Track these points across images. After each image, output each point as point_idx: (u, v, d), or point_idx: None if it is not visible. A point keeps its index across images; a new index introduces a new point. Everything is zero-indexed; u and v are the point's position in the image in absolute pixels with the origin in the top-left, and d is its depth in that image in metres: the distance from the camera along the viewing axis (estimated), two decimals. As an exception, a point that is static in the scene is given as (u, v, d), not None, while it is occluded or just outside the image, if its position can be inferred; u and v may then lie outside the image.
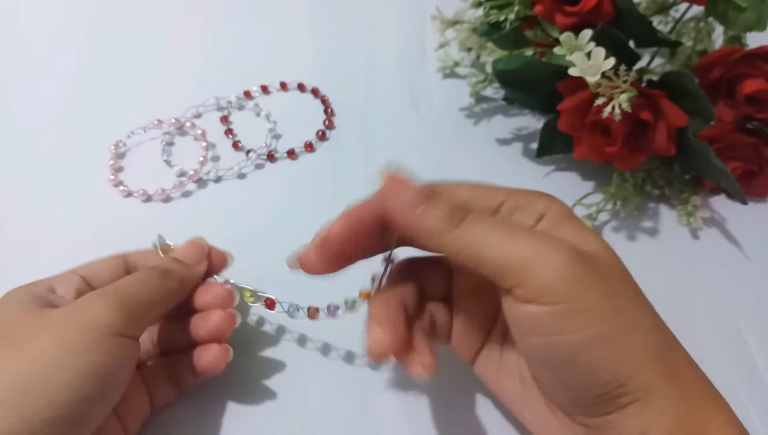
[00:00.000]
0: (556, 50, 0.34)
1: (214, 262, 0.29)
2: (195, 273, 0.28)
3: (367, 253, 0.25)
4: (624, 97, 0.31)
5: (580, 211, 0.36)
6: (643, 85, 0.35)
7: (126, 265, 0.28)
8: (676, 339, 0.23)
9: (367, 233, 0.24)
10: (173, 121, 0.41)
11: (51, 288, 0.26)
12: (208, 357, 0.26)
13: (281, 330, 0.31)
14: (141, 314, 0.24)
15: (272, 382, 0.30)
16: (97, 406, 0.22)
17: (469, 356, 0.26)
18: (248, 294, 0.28)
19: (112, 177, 0.38)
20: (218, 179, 0.39)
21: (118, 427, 0.25)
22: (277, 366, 0.30)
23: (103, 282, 0.26)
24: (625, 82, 0.32)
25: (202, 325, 0.27)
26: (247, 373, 0.30)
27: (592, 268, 0.21)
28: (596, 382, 0.21)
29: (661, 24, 0.40)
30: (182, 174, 0.38)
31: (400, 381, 0.30)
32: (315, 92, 0.44)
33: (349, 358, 0.30)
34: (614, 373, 0.20)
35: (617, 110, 0.31)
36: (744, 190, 0.35)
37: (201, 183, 0.38)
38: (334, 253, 0.24)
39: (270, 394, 0.29)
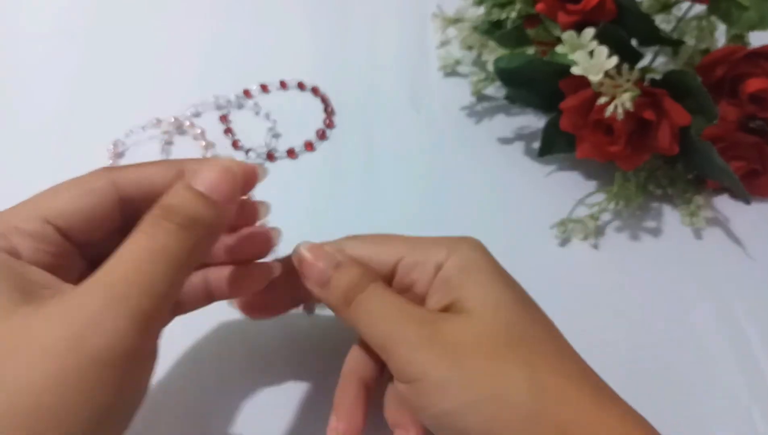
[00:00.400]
0: (558, 49, 0.33)
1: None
2: (227, 216, 0.21)
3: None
4: (627, 96, 0.31)
5: (582, 211, 0.36)
6: (646, 84, 0.35)
7: (119, 197, 0.22)
8: (572, 383, 0.21)
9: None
10: (172, 120, 0.41)
11: (12, 249, 0.20)
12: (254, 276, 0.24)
13: (283, 329, 0.31)
14: (163, 312, 0.19)
15: (273, 382, 0.29)
16: (115, 429, 0.19)
17: None
18: None
19: (110, 176, 0.38)
20: (218, 179, 0.38)
21: None
22: (277, 367, 0.30)
23: (87, 228, 0.21)
24: (627, 80, 0.32)
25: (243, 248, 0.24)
26: (247, 372, 0.29)
27: (448, 339, 0.21)
28: None
29: (663, 22, 0.40)
30: (181, 173, 0.38)
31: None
32: (315, 91, 0.43)
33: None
34: (486, 426, 0.20)
35: (620, 109, 0.31)
36: (747, 189, 0.35)
37: (200, 182, 0.38)
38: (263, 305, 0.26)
39: (271, 395, 0.29)
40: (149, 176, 0.22)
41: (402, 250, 0.25)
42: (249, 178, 0.23)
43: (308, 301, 0.27)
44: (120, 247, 0.19)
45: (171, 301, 0.19)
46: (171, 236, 0.19)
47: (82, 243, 0.22)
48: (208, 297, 0.25)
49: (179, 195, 0.20)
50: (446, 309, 0.23)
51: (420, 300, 0.24)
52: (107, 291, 0.18)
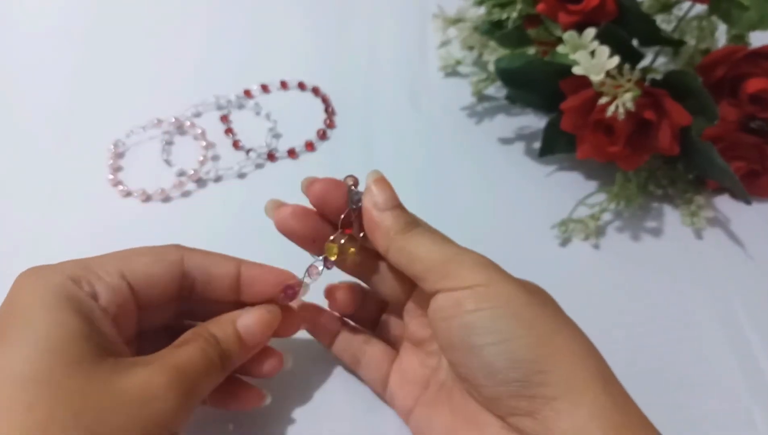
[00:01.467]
0: (559, 49, 0.33)
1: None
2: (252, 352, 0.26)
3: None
4: (628, 96, 0.31)
5: (583, 211, 0.36)
6: (647, 84, 0.35)
7: (183, 271, 0.25)
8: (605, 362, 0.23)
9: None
10: (173, 120, 0.41)
11: (94, 294, 0.22)
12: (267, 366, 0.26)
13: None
14: (195, 402, 0.23)
15: (275, 383, 0.29)
16: None
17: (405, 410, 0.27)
18: None
19: (111, 176, 0.38)
20: (218, 179, 0.38)
21: None
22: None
23: (151, 288, 0.24)
24: (628, 80, 0.32)
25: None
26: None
27: (508, 275, 0.23)
28: (519, 361, 0.21)
29: (664, 23, 0.40)
30: (182, 173, 0.38)
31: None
32: (315, 91, 0.43)
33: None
34: (535, 354, 0.21)
35: (621, 109, 0.31)
36: (748, 189, 0.35)
37: (201, 182, 0.38)
38: (308, 212, 0.26)
39: (275, 395, 0.29)
40: (212, 264, 0.26)
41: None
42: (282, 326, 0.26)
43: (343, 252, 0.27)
44: (175, 348, 0.23)
45: (197, 401, 0.23)
46: (214, 359, 0.24)
47: (143, 304, 0.24)
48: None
49: (224, 330, 0.25)
50: None
51: None
52: (168, 371, 0.22)
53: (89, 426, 0.19)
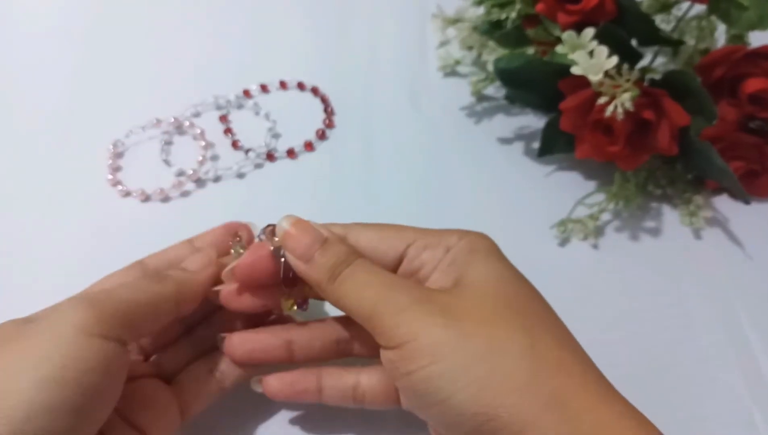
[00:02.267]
0: (558, 49, 0.34)
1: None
2: (199, 278, 0.25)
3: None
4: (626, 96, 0.31)
5: (582, 211, 0.36)
6: (646, 84, 0.35)
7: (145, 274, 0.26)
8: (575, 359, 0.21)
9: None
10: (172, 120, 0.41)
11: None
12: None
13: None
14: (121, 315, 0.22)
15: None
16: (73, 417, 0.20)
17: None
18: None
19: (110, 176, 0.38)
20: (217, 179, 0.38)
21: None
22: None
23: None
24: (627, 80, 0.32)
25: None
26: None
27: (442, 302, 0.21)
28: (463, 416, 0.20)
29: (663, 22, 0.40)
30: (181, 173, 0.38)
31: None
32: (315, 91, 0.43)
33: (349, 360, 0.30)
34: (476, 405, 0.20)
35: (620, 109, 0.31)
36: (747, 189, 0.35)
37: (200, 182, 0.38)
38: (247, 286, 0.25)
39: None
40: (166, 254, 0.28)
41: (413, 236, 0.25)
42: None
43: (301, 297, 0.26)
44: None
45: (135, 311, 0.23)
46: (140, 277, 0.25)
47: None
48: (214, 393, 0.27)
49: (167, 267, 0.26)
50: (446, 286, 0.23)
51: (424, 283, 0.24)
52: (76, 294, 0.23)
53: None
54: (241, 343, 0.26)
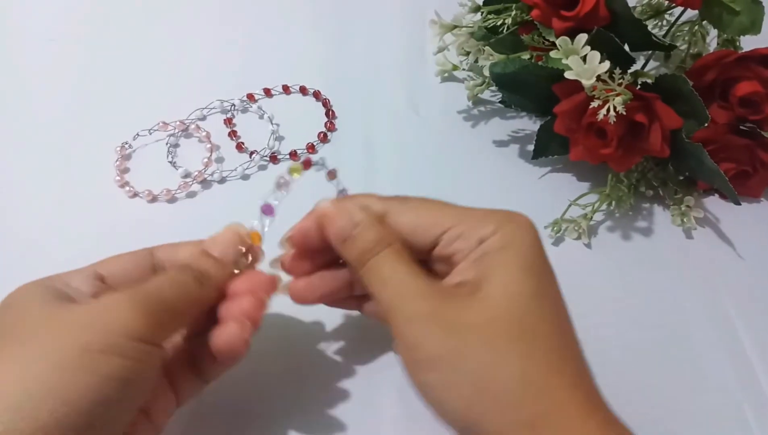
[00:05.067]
0: (553, 54, 0.34)
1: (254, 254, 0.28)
2: (230, 272, 0.26)
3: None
4: (619, 99, 0.32)
5: (575, 211, 0.37)
6: (638, 87, 0.35)
7: (153, 262, 0.27)
8: (563, 383, 0.21)
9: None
10: (178, 123, 0.42)
11: (66, 283, 0.25)
12: (224, 337, 0.24)
13: (281, 325, 0.32)
14: (168, 321, 0.23)
15: (271, 380, 0.30)
16: (118, 411, 0.21)
17: None
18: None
19: (118, 178, 0.39)
20: (222, 180, 0.39)
21: (148, 426, 0.25)
22: (275, 363, 0.31)
23: (126, 279, 0.25)
24: (620, 85, 0.33)
25: (228, 309, 0.26)
26: (244, 369, 0.30)
27: (450, 316, 0.22)
28: (453, 421, 0.22)
29: (656, 28, 0.40)
30: (187, 175, 0.39)
31: (402, 378, 0.30)
32: (317, 95, 0.44)
33: (349, 354, 0.31)
34: (464, 417, 0.21)
35: (612, 112, 0.32)
36: (737, 190, 0.36)
37: (205, 184, 0.39)
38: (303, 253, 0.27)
39: (269, 391, 0.30)
40: (177, 251, 0.27)
41: (450, 221, 0.25)
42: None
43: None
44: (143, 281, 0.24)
45: (179, 316, 0.24)
46: (188, 279, 0.25)
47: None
48: (200, 379, 0.27)
49: (191, 254, 0.26)
50: (465, 284, 0.24)
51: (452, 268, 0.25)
52: (131, 293, 0.23)
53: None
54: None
